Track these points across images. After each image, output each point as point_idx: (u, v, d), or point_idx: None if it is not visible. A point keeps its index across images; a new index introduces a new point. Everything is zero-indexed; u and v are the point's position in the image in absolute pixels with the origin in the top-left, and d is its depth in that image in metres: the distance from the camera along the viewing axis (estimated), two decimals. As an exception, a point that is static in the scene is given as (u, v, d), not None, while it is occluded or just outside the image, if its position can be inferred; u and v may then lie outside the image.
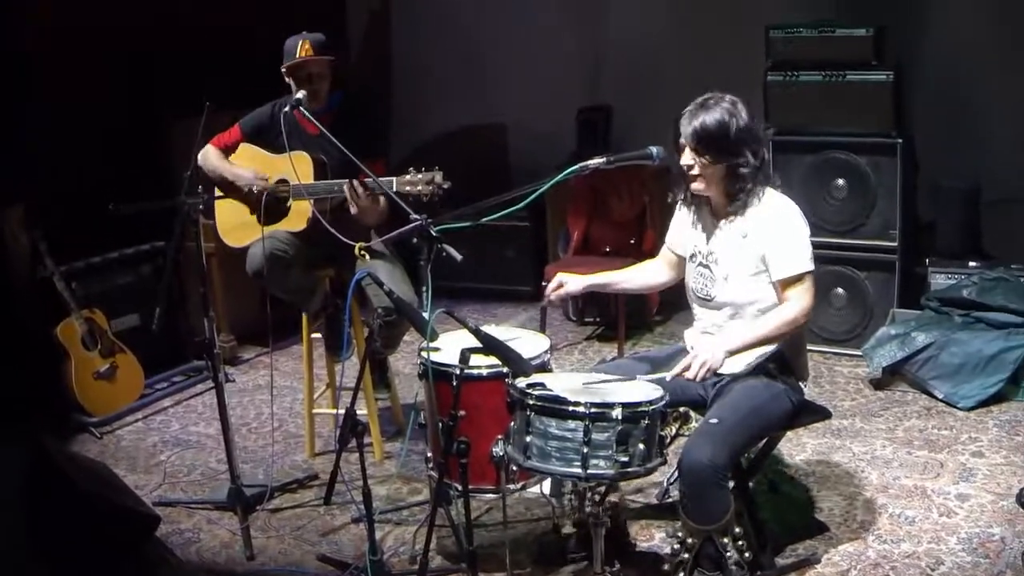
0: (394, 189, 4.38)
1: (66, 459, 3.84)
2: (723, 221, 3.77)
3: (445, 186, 4.42)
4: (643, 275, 4.21)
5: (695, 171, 3.68)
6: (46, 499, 3.58)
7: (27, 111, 5.76)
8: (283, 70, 4.87)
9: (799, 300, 3.63)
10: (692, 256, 3.91)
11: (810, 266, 3.66)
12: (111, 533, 3.68)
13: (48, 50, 6.02)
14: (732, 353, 3.59)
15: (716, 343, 3.62)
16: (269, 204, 4.76)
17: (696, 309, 3.94)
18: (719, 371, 3.67)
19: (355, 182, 4.56)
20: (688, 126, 3.63)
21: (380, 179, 4.40)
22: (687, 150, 3.67)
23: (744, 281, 3.71)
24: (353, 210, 4.61)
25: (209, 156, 4.98)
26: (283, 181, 4.82)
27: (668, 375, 3.57)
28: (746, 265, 3.71)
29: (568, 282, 3.99)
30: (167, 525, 4.46)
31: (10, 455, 3.55)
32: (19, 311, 5.59)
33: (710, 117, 3.60)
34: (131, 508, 3.91)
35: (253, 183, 4.84)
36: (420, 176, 4.41)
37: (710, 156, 3.62)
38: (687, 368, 3.52)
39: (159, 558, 3.97)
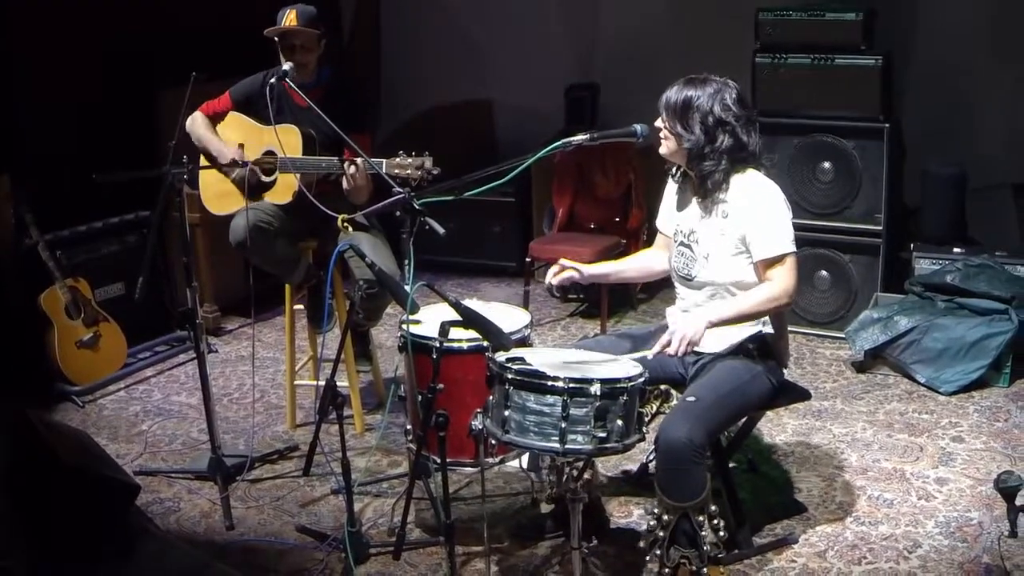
0: (383, 171, 4.36)
1: (48, 428, 3.83)
2: (704, 200, 3.78)
3: (435, 172, 4.39)
4: (644, 262, 4.21)
5: (661, 133, 3.77)
6: (28, 469, 3.58)
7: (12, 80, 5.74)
8: (273, 37, 4.85)
9: (782, 280, 3.64)
10: (675, 235, 3.91)
11: (791, 247, 3.66)
12: (92, 503, 3.68)
13: (35, 20, 5.98)
14: (714, 325, 3.60)
15: (697, 316, 3.63)
16: (251, 182, 4.75)
17: (678, 288, 3.94)
18: (699, 349, 3.67)
19: (352, 161, 4.54)
20: (667, 92, 3.75)
21: (370, 160, 4.39)
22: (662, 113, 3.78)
23: (725, 261, 3.72)
24: (346, 185, 4.60)
25: (196, 124, 4.97)
26: (270, 153, 4.80)
27: (649, 353, 3.59)
28: (726, 245, 3.72)
29: (569, 266, 3.99)
30: (147, 494, 4.47)
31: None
32: (4, 281, 5.58)
33: (684, 91, 3.70)
34: (112, 477, 3.91)
35: (231, 161, 4.80)
36: (410, 160, 4.37)
37: (669, 123, 3.72)
38: (668, 344, 3.54)
39: (139, 527, 3.97)
